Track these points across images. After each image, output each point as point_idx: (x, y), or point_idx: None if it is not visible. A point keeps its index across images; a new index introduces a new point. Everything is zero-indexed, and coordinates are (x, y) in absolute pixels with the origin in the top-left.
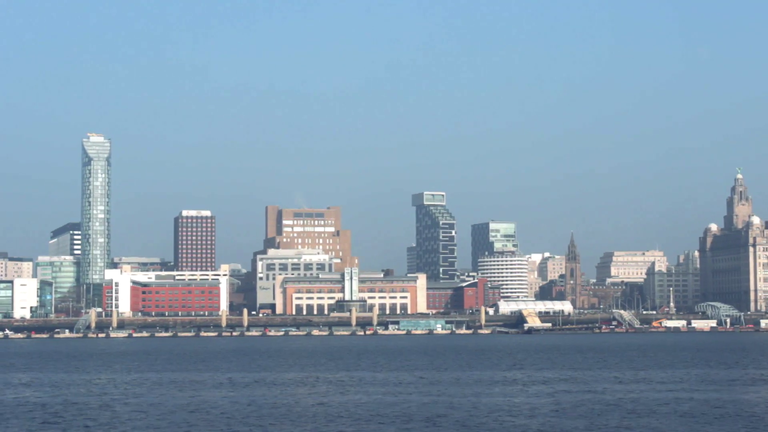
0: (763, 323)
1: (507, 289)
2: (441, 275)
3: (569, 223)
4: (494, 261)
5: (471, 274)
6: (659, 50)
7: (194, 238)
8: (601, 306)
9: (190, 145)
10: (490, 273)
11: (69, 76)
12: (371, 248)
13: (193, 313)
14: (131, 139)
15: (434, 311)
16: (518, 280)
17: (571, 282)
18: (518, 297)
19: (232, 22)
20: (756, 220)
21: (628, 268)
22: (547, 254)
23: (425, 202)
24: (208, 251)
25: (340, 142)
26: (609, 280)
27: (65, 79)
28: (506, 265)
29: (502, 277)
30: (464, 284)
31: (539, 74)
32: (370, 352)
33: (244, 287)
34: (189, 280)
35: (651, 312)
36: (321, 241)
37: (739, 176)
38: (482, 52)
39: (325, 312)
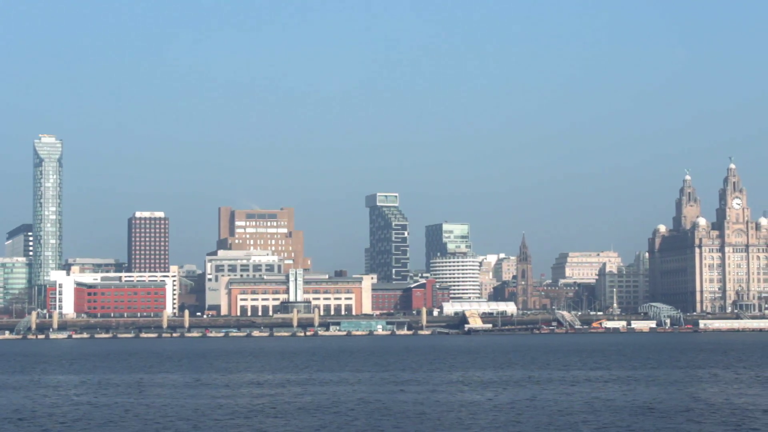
0: (701, 324)
1: (458, 290)
2: (393, 276)
3: (525, 224)
4: (446, 262)
5: (425, 275)
6: (643, 54)
7: (148, 239)
8: (553, 306)
9: (144, 146)
10: (442, 274)
11: (19, 77)
12: (328, 249)
13: (138, 315)
14: (83, 140)
15: (379, 312)
16: (470, 281)
17: (523, 283)
18: (470, 298)
19: (187, 18)
20: (702, 221)
21: (583, 268)
22: (502, 255)
23: (378, 203)
24: (162, 252)
25: (297, 143)
26: (562, 281)
27: (16, 80)
28: (458, 266)
29: (454, 278)
30: (413, 285)
31: (494, 81)
32: (289, 353)
33: (197, 288)
34: (137, 281)
35: (598, 313)
36: (273, 242)
37: (688, 178)
38: (436, 57)
39: (270, 313)
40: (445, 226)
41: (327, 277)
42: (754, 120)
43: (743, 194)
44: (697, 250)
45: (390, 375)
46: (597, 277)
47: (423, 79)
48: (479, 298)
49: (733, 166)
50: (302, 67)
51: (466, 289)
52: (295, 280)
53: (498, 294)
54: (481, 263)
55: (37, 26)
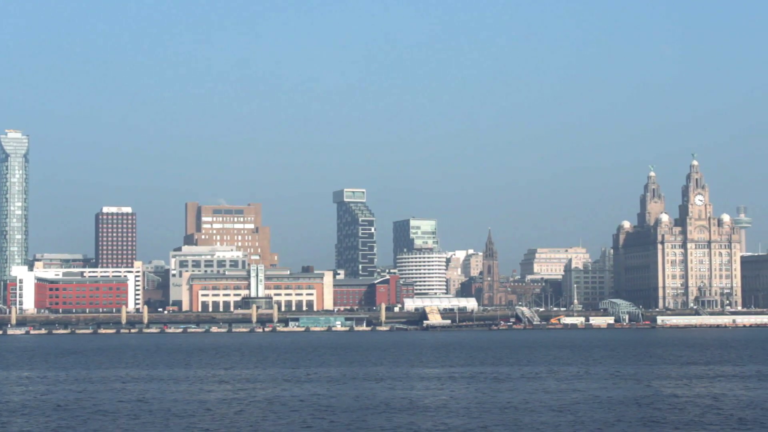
0: (659, 320)
1: (424, 285)
2: (360, 272)
3: (495, 221)
4: (412, 258)
5: (392, 271)
6: (564, 49)
7: (114, 234)
8: (519, 303)
9: (111, 141)
10: (408, 270)
11: None
12: (299, 245)
13: (101, 310)
14: (50, 135)
15: (342, 308)
16: (436, 277)
17: (489, 279)
18: (435, 293)
19: (153, 14)
20: (665, 217)
21: (551, 265)
22: (471, 251)
23: (345, 199)
24: (129, 248)
25: (266, 139)
26: (529, 277)
27: None
28: (424, 261)
29: (420, 273)
30: (377, 281)
31: (463, 82)
32: (232, 348)
33: (163, 284)
34: (101, 277)
35: (561, 309)
36: (240, 237)
37: (652, 174)
38: (403, 58)
39: (231, 309)
40: (413, 222)
41: (289, 273)
42: (719, 117)
43: (706, 191)
44: (659, 246)
45: (279, 371)
46: (564, 273)
47: (389, 79)
48: (446, 293)
49: (695, 162)
50: (272, 64)
51: (432, 285)
52: (257, 275)
53: (465, 290)
54: (449, 259)
55: (9, 23)
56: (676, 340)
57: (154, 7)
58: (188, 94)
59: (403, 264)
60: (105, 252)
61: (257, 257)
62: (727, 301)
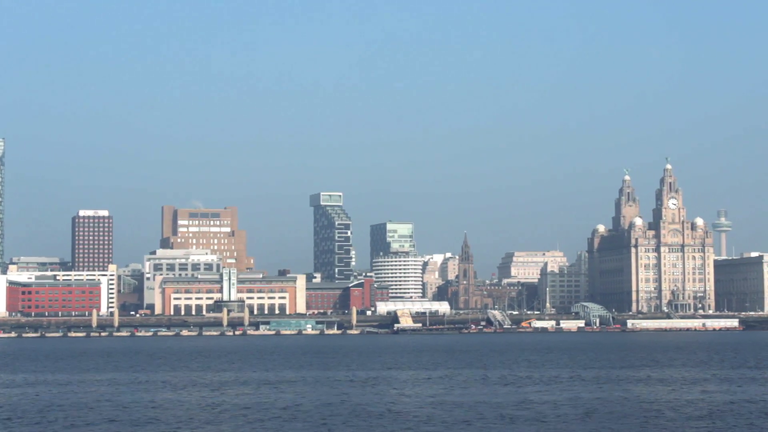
0: (629, 324)
1: (400, 289)
2: (337, 275)
3: (473, 225)
4: (389, 261)
5: (368, 274)
6: (551, 51)
7: (91, 237)
8: (495, 306)
9: (88, 143)
10: (384, 273)
11: None
12: (276, 249)
13: (74, 314)
14: (26, 139)
15: (314, 312)
16: (412, 281)
17: (464, 282)
18: (411, 297)
19: (129, 16)
20: (638, 221)
21: (528, 268)
22: (448, 255)
23: (322, 203)
24: (106, 251)
25: (243, 142)
26: (506, 281)
27: None
28: (400, 265)
29: (396, 277)
30: (351, 285)
31: (438, 85)
32: (187, 352)
33: (140, 288)
34: (74, 280)
35: (535, 312)
36: (216, 241)
37: (627, 178)
38: (379, 61)
39: (204, 312)
40: (389, 226)
41: (261, 276)
42: (692, 120)
43: (679, 194)
44: (633, 250)
45: (201, 375)
46: (540, 276)
47: (366, 82)
48: (422, 297)
49: (669, 166)
50: (247, 66)
51: (408, 289)
52: (229, 279)
53: (441, 293)
54: (427, 263)
55: None
56: (642, 344)
57: (129, 7)
58: (165, 97)
59: (380, 267)
60: (81, 255)
61: (233, 261)
62: (700, 305)
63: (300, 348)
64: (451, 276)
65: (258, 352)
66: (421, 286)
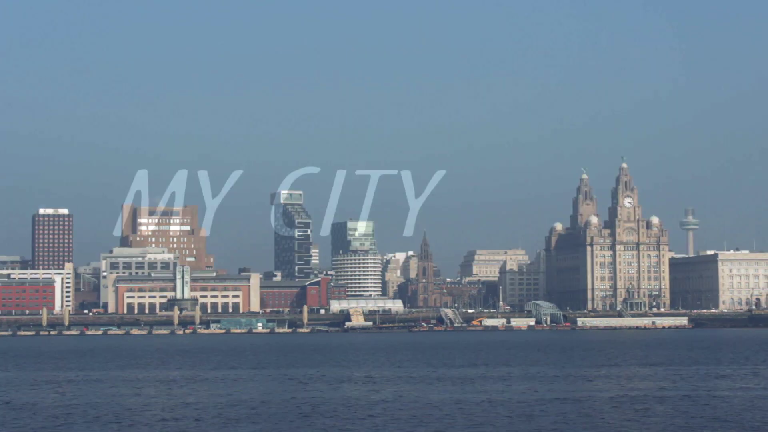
0: (579, 322)
1: (359, 287)
2: (296, 274)
3: (435, 223)
4: (348, 259)
5: (329, 272)
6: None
7: (51, 236)
8: (456, 304)
9: (50, 140)
10: (344, 271)
11: None
12: (236, 247)
13: (27, 312)
14: None
15: (267, 310)
16: (372, 279)
17: (424, 280)
18: (371, 295)
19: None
20: (594, 219)
21: (490, 266)
22: (410, 253)
23: (282, 201)
24: (66, 249)
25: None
26: (466, 279)
27: None
28: (359, 263)
29: (356, 275)
30: (308, 283)
31: (395, 77)
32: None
33: (99, 286)
34: (30, 278)
35: (491, 310)
36: (175, 239)
37: (585, 176)
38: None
39: (157, 311)
40: (350, 224)
41: (215, 274)
42: (647, 120)
43: (635, 193)
44: (588, 248)
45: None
46: (499, 275)
47: (325, 77)
48: (382, 295)
49: (625, 165)
50: (205, 56)
51: (367, 287)
52: (182, 277)
53: (402, 292)
54: (389, 261)
55: None
56: (582, 342)
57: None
58: (123, 92)
59: (339, 266)
60: (41, 254)
61: (192, 259)
62: (655, 303)
63: (231, 347)
64: (413, 274)
65: (182, 352)
66: (381, 285)
